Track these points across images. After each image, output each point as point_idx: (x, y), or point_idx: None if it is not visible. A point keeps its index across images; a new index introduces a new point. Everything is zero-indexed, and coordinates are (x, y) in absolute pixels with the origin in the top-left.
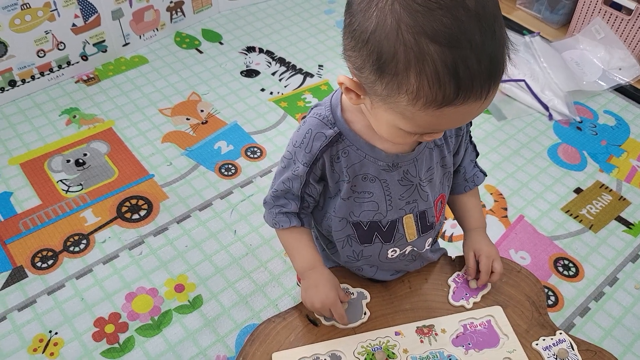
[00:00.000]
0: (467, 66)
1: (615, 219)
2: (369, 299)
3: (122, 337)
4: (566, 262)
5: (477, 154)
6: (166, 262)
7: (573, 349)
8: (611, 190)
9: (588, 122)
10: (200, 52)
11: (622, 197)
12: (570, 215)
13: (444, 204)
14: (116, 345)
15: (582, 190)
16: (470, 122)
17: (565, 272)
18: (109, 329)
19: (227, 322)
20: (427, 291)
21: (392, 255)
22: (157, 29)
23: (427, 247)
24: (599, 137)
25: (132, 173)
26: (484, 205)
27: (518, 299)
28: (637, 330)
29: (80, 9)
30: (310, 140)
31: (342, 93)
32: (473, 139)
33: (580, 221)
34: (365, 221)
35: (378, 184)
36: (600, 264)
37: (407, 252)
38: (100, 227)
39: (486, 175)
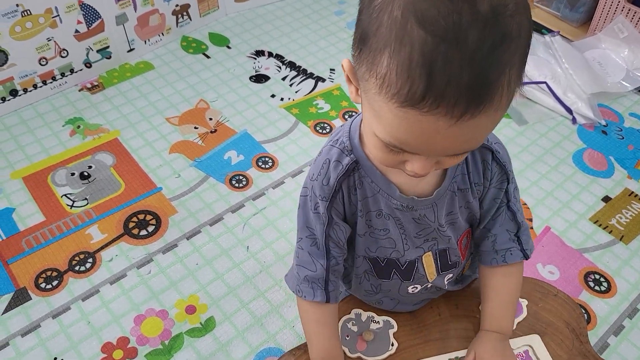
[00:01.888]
0: (446, 65)
1: None
2: (396, 329)
3: None
4: (597, 276)
5: (520, 226)
6: (176, 281)
7: None
8: None
9: (614, 126)
10: (208, 57)
11: None
12: (600, 225)
13: (470, 239)
14: None
15: (610, 198)
16: (508, 180)
17: (597, 288)
18: (117, 354)
19: (241, 345)
20: (458, 319)
21: (412, 291)
22: (162, 34)
23: (446, 282)
24: (626, 141)
25: (139, 186)
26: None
27: (557, 326)
28: None
29: (83, 14)
30: (328, 171)
31: (361, 120)
32: (514, 203)
33: (610, 232)
34: (382, 257)
35: (392, 221)
36: (633, 277)
37: (429, 287)
38: (106, 245)
39: (527, 258)
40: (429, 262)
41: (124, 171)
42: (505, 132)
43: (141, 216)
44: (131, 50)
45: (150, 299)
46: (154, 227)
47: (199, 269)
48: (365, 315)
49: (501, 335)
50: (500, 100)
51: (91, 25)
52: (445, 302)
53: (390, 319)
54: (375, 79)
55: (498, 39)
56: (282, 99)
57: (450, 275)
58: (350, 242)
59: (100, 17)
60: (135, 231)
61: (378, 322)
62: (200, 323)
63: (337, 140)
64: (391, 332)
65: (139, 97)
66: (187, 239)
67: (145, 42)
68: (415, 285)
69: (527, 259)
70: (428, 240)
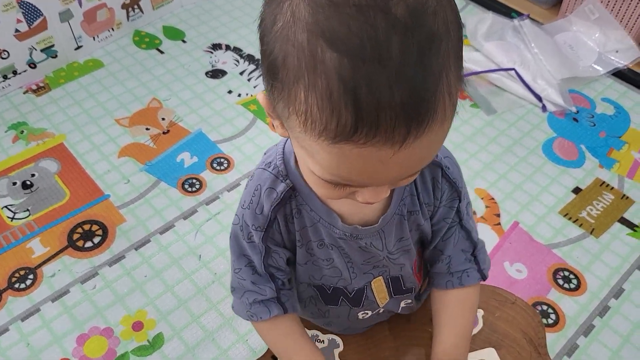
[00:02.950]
0: (372, 89)
1: (618, 221)
2: (341, 348)
3: None
4: (566, 273)
5: (476, 245)
6: (123, 296)
7: None
8: (612, 188)
9: (585, 112)
10: (162, 52)
11: (624, 195)
12: (570, 219)
13: (423, 259)
14: None
15: (581, 189)
16: (460, 199)
17: (566, 285)
18: None
19: None
20: (409, 334)
21: (363, 317)
22: (112, 29)
23: (403, 306)
24: (598, 128)
25: (85, 194)
26: (474, 212)
27: (514, 337)
28: None
29: (23, 12)
30: (260, 198)
31: None
32: (467, 220)
33: (581, 225)
34: (328, 285)
35: (337, 251)
36: (604, 273)
37: (380, 312)
38: (49, 259)
39: (485, 278)
40: (379, 287)
41: (69, 178)
42: (473, 122)
43: (87, 227)
44: (79, 47)
45: (94, 316)
46: (100, 237)
47: (148, 281)
48: (309, 334)
49: (463, 340)
50: (444, 112)
51: (32, 23)
52: (396, 317)
53: (335, 337)
54: (297, 116)
55: (424, 44)
56: (239, 95)
57: (409, 301)
58: (292, 270)
59: (41, 15)
60: (80, 243)
61: (323, 341)
62: (148, 340)
63: (270, 163)
64: (337, 351)
65: (87, 98)
66: (136, 249)
67: (93, 38)
68: (366, 311)
69: (484, 280)
70: (378, 267)
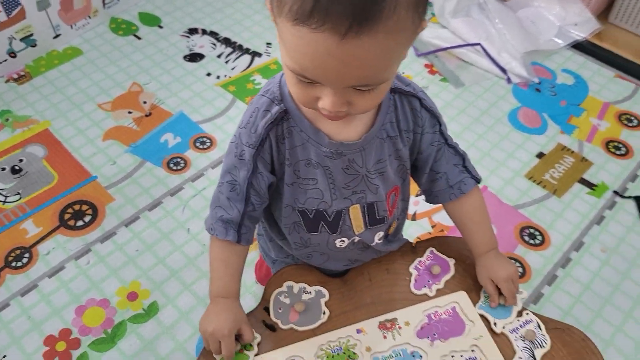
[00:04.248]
0: None
1: (579, 182)
2: (327, 297)
3: (75, 354)
4: (532, 230)
5: (464, 157)
6: (116, 269)
7: (540, 329)
8: (573, 152)
9: (547, 83)
10: (139, 38)
11: (584, 158)
12: (534, 181)
13: (398, 195)
14: None
15: (544, 154)
16: (440, 122)
17: (532, 241)
18: (61, 346)
19: (185, 327)
20: (388, 282)
21: (340, 245)
22: (89, 17)
23: (377, 241)
24: (559, 97)
25: (73, 176)
26: None
27: None
28: (606, 294)
29: (2, 2)
30: (256, 119)
31: None
32: (450, 139)
33: (544, 187)
34: (310, 209)
35: (321, 170)
36: (566, 229)
37: (356, 241)
38: (42, 238)
39: (479, 181)
40: (355, 215)
41: (56, 162)
42: (442, 95)
43: (77, 207)
44: (57, 36)
45: (90, 289)
46: (90, 216)
47: (140, 255)
48: (297, 287)
49: (495, 250)
50: (386, 23)
51: (11, 13)
52: (376, 268)
53: (321, 288)
54: (276, 2)
55: None
56: (218, 77)
57: (381, 232)
58: (278, 193)
59: (19, 4)
60: (71, 222)
61: (310, 292)
62: (143, 309)
63: (268, 90)
64: (323, 300)
65: (69, 85)
66: (126, 226)
67: (71, 26)
68: (343, 239)
69: (479, 183)
70: (356, 192)
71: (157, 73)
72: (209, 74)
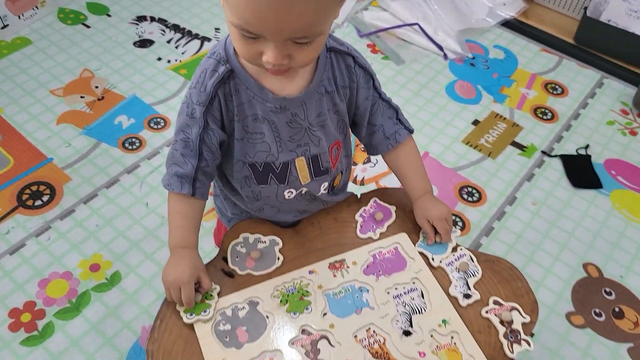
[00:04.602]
0: None
1: (511, 144)
2: (281, 245)
3: (41, 323)
4: (470, 189)
5: (397, 110)
6: (77, 244)
7: (473, 261)
8: (505, 118)
9: (480, 58)
10: (88, 26)
11: (515, 123)
12: (471, 146)
13: (340, 150)
14: (35, 332)
15: (479, 121)
16: (373, 79)
17: (470, 199)
18: (25, 317)
19: (148, 293)
20: (336, 229)
21: (289, 197)
22: (37, 7)
23: (322, 192)
24: (491, 70)
25: (28, 159)
26: None
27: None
28: (536, 241)
29: None
30: (205, 79)
31: None
32: (384, 94)
33: (480, 150)
34: (259, 162)
35: (267, 125)
36: (500, 186)
37: (303, 192)
38: (1, 219)
39: (412, 132)
40: (301, 166)
41: (11, 147)
42: (384, 72)
43: (34, 187)
44: (5, 26)
45: (52, 263)
46: (48, 196)
47: (99, 229)
48: (252, 237)
49: (429, 194)
50: None
51: None
52: (325, 217)
53: (275, 237)
54: None
55: None
56: (169, 61)
57: (326, 183)
58: (229, 149)
59: None
60: (29, 202)
61: (265, 241)
62: (106, 278)
63: (214, 52)
64: (277, 248)
65: (19, 73)
66: (85, 203)
67: (19, 17)
68: (291, 190)
69: (412, 133)
70: (300, 145)
71: (107, 59)
72: (159, 59)
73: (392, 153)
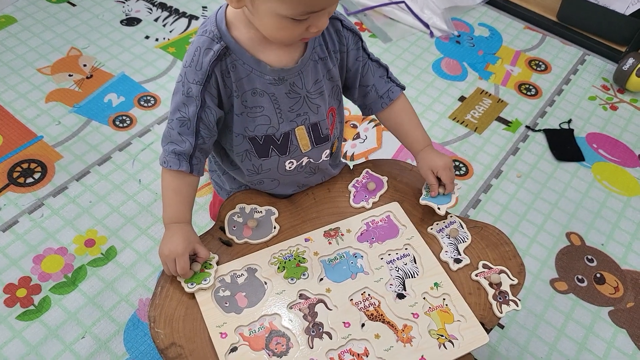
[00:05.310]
0: None
1: (496, 120)
2: (277, 214)
3: (37, 298)
4: (457, 163)
5: (387, 69)
6: (71, 220)
7: (463, 228)
8: (490, 94)
9: (465, 36)
10: (73, 4)
11: (500, 99)
12: (457, 121)
13: (335, 116)
14: (31, 307)
15: (465, 98)
16: (361, 39)
17: (457, 172)
18: (21, 293)
19: (145, 267)
20: (330, 199)
21: (289, 168)
22: None
23: (324, 159)
24: (476, 48)
25: (18, 137)
26: (378, 124)
27: (412, 193)
28: (521, 212)
29: None
30: (200, 57)
31: (226, 7)
32: (372, 54)
33: (466, 126)
34: (260, 135)
35: (267, 97)
36: (486, 160)
37: (304, 164)
38: None
39: (404, 88)
40: (301, 134)
41: (0, 125)
42: (372, 50)
43: (25, 165)
44: None
45: (47, 239)
46: (40, 174)
47: (93, 205)
48: (248, 207)
49: (430, 146)
50: None
51: None
52: (320, 188)
53: (271, 207)
54: None
55: None
56: (157, 40)
57: (327, 150)
58: (227, 124)
59: None
60: (20, 180)
61: (261, 211)
62: (102, 253)
63: (206, 30)
64: (273, 217)
65: (5, 52)
66: (77, 180)
67: None
68: (292, 160)
69: (404, 90)
70: (300, 114)
71: (94, 37)
72: (147, 37)
73: (387, 111)
